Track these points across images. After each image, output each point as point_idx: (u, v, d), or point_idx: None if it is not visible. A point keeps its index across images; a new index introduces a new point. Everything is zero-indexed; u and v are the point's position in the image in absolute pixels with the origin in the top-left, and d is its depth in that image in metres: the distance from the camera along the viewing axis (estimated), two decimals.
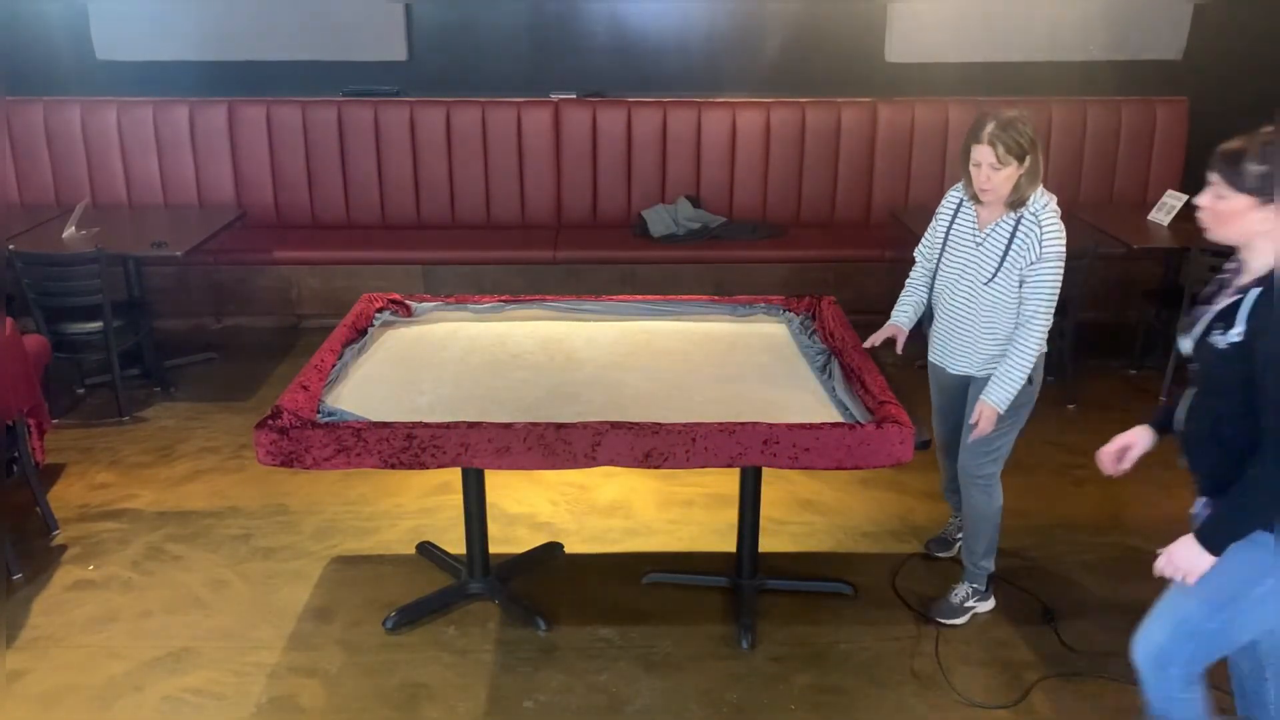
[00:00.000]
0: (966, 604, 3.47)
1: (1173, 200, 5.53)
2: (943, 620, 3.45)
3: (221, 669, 3.25)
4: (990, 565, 3.47)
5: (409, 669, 3.25)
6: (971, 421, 3.20)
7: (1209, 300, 2.34)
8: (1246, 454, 2.23)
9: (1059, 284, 3.06)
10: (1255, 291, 2.19)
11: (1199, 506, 2.42)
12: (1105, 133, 6.32)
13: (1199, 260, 4.90)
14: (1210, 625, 2.38)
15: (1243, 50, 6.47)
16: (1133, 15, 6.38)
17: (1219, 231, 2.29)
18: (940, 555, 3.82)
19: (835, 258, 5.96)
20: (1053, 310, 3.09)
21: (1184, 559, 2.31)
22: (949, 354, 3.32)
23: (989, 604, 3.52)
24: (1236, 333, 2.20)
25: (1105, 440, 5.08)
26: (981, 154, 3.02)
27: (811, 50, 6.52)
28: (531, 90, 6.35)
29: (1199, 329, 2.34)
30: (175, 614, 3.52)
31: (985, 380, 3.19)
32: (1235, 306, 2.22)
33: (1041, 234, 3.03)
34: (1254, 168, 2.17)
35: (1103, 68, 6.40)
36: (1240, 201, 2.21)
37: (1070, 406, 5.12)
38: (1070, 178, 6.39)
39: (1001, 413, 3.15)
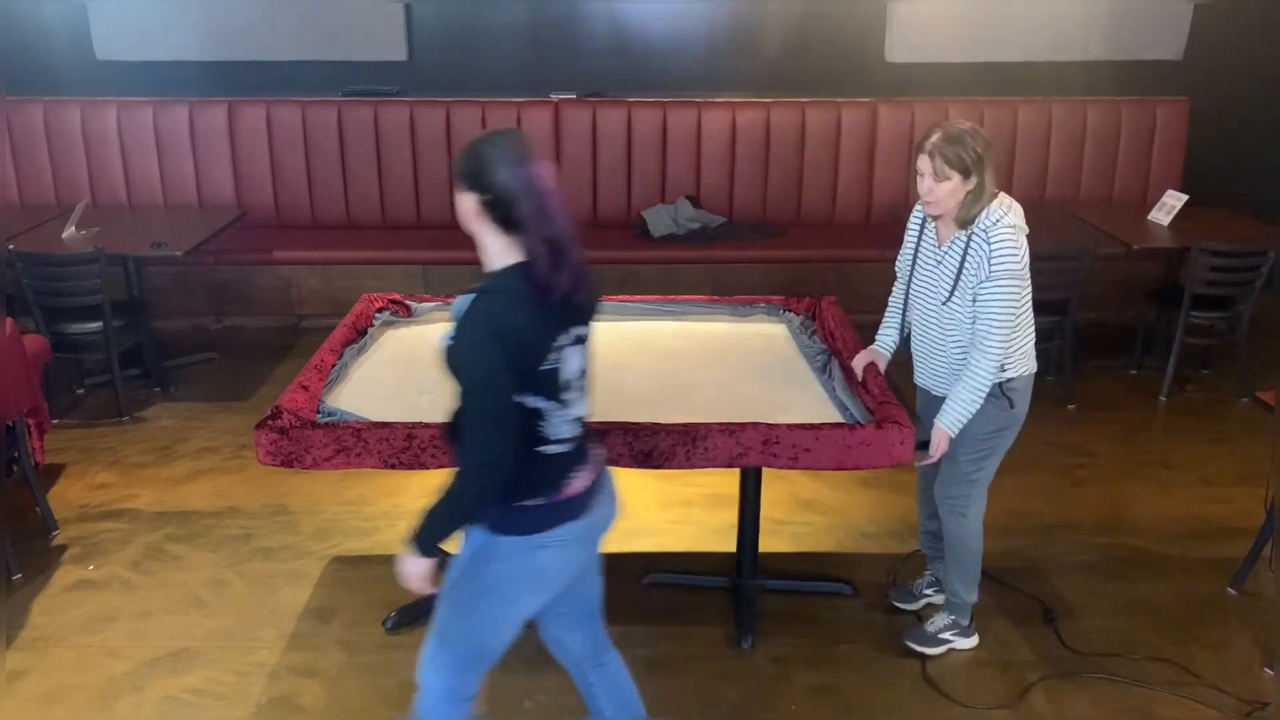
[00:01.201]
0: (943, 635, 3.32)
1: (1173, 200, 5.52)
2: (914, 646, 3.31)
3: (221, 669, 3.25)
4: (971, 598, 3.30)
5: (409, 669, 3.22)
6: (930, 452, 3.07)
7: None
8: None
9: (1012, 303, 2.89)
10: (469, 297, 2.12)
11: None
12: (1105, 133, 6.32)
13: (1199, 260, 4.91)
14: (467, 633, 2.37)
15: (1243, 50, 6.47)
16: (1133, 15, 6.39)
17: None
18: (900, 605, 3.55)
19: (835, 258, 5.96)
20: (1007, 330, 2.90)
21: (408, 569, 2.28)
22: (926, 374, 3.20)
23: (970, 641, 3.34)
24: (450, 335, 2.11)
25: (1105, 440, 5.08)
26: (923, 165, 2.91)
27: (811, 50, 6.52)
28: (531, 90, 6.35)
29: None
30: (175, 614, 3.52)
31: None
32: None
33: (990, 251, 2.87)
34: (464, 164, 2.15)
35: (1103, 68, 6.41)
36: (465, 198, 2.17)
37: (1070, 406, 5.12)
38: (1070, 178, 6.39)
39: (952, 436, 3.02)
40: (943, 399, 3.08)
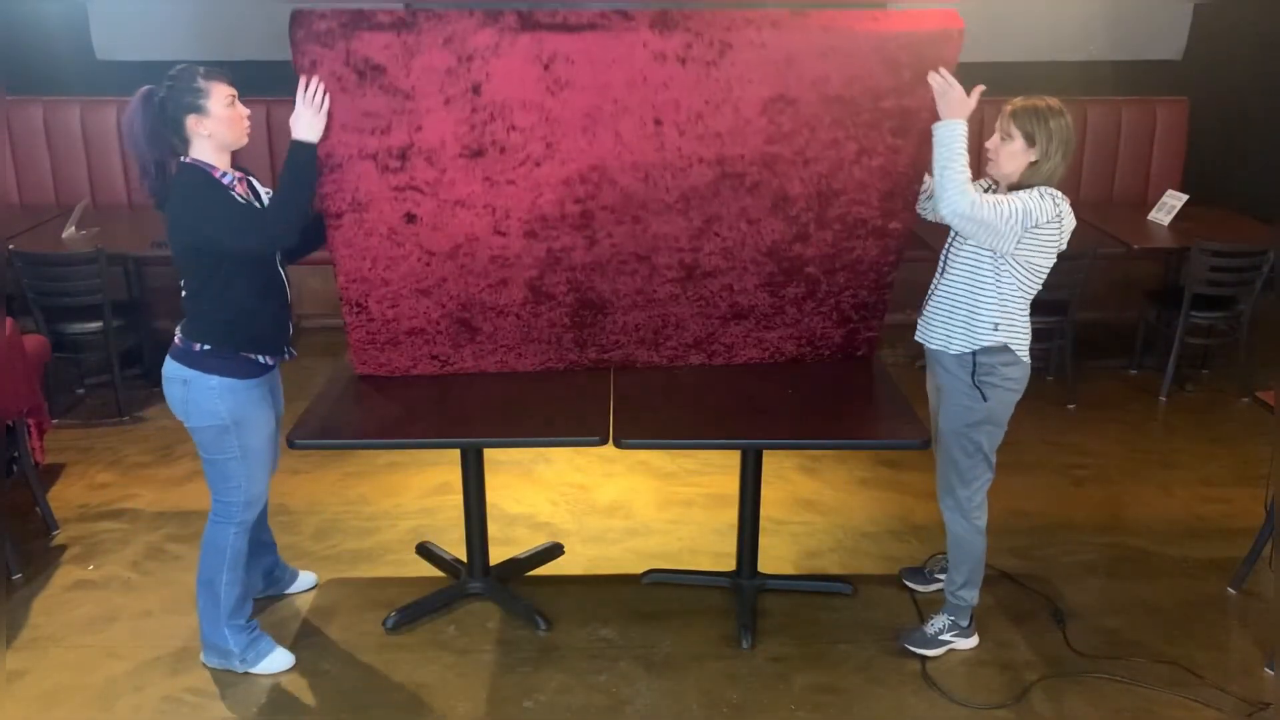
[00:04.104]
0: (942, 636, 3.31)
1: (1173, 200, 5.53)
2: (912, 648, 3.30)
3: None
4: (970, 598, 3.28)
5: (409, 669, 3.25)
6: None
7: None
8: None
9: (1011, 213, 2.85)
10: None
11: None
12: (1105, 133, 6.31)
13: (1199, 260, 4.91)
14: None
15: (1243, 50, 6.47)
16: (1133, 15, 6.38)
17: None
18: (911, 585, 3.64)
19: None
20: (993, 217, 2.85)
21: None
22: (925, 321, 3.14)
23: (970, 641, 3.33)
24: None
25: (1105, 440, 5.07)
26: (999, 122, 3.03)
27: None
28: None
29: None
30: (175, 614, 3.51)
31: (945, 356, 3.05)
32: None
33: (1020, 193, 2.92)
34: None
35: (1103, 68, 6.40)
36: None
37: (1070, 406, 5.12)
38: (1070, 178, 6.33)
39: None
40: (936, 353, 3.11)
